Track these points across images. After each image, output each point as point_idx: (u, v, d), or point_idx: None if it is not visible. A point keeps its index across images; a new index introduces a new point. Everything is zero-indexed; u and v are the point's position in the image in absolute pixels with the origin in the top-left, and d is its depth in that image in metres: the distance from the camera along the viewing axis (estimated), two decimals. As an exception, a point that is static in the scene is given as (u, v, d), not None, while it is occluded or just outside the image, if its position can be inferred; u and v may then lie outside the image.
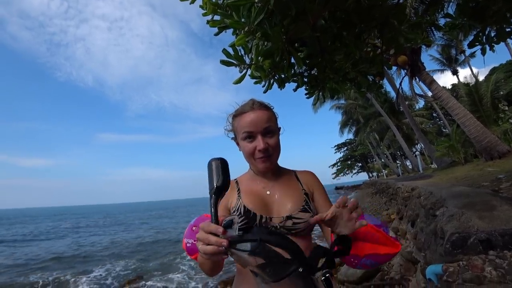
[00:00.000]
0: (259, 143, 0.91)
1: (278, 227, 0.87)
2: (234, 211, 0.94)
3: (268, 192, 0.96)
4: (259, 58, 1.61)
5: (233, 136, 1.03)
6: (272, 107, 1.00)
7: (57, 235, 19.21)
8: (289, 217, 0.88)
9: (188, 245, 0.93)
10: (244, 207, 0.90)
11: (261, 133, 0.92)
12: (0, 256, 11.31)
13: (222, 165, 0.69)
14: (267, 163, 0.95)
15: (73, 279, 7.39)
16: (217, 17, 1.54)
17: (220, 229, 0.58)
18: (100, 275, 7.82)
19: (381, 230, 0.79)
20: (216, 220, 0.62)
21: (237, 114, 0.97)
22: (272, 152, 0.94)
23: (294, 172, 1.06)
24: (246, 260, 0.60)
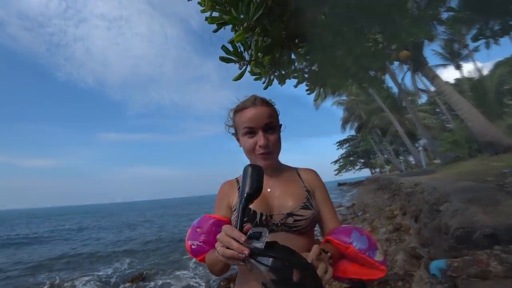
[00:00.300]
0: (260, 138, 0.91)
1: (279, 224, 0.87)
2: (234, 210, 0.93)
3: (268, 190, 0.95)
4: (259, 54, 1.60)
5: (234, 131, 1.02)
6: (273, 104, 0.99)
7: (61, 234, 19.34)
8: (290, 214, 0.87)
9: (193, 247, 0.91)
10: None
11: (262, 129, 0.92)
12: (6, 256, 11.43)
13: (256, 172, 0.69)
14: (268, 160, 0.94)
15: (79, 278, 7.45)
16: (215, 14, 1.53)
17: (243, 238, 0.59)
18: (107, 273, 7.87)
19: (366, 255, 0.77)
20: (241, 226, 0.62)
21: (238, 110, 0.97)
22: (272, 148, 0.94)
23: (296, 169, 1.05)
24: (262, 273, 0.60)
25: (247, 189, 0.67)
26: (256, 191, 0.67)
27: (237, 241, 0.59)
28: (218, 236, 0.63)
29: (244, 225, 0.63)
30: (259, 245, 0.59)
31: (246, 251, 0.57)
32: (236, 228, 0.62)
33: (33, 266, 9.33)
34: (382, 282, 3.62)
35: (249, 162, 1.02)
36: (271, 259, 0.58)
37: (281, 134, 1.00)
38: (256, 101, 0.95)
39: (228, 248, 0.59)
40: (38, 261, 10.19)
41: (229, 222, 0.93)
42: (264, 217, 0.87)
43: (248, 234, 0.61)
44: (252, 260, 0.59)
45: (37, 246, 14.20)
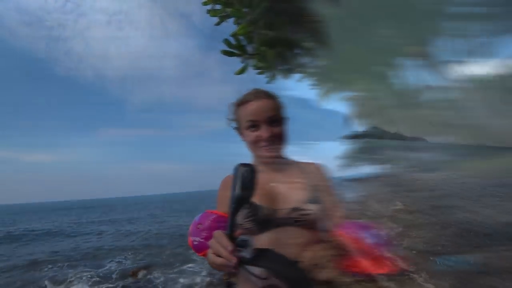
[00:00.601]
0: (263, 132, 0.91)
1: (285, 218, 0.87)
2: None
3: (273, 184, 0.95)
4: (263, 48, 1.59)
5: (236, 125, 1.02)
6: (277, 96, 0.99)
7: (63, 229, 19.52)
8: (295, 209, 0.88)
9: (195, 243, 0.92)
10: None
11: (266, 122, 0.91)
12: (7, 251, 11.59)
13: (249, 173, 0.66)
14: (272, 153, 0.94)
15: (83, 273, 7.49)
16: (217, 7, 1.52)
17: (229, 247, 0.59)
18: (110, 268, 7.93)
19: (376, 250, 0.78)
20: (231, 232, 0.62)
21: (240, 103, 0.96)
22: (277, 141, 0.94)
23: (301, 163, 1.04)
24: (252, 281, 0.61)
25: (237, 192, 0.64)
26: (248, 193, 0.65)
27: (227, 249, 0.59)
28: (210, 242, 0.65)
29: (234, 230, 0.63)
30: (247, 254, 0.60)
31: (234, 260, 0.58)
32: (228, 232, 0.62)
33: (36, 261, 9.41)
34: (388, 278, 3.64)
35: (252, 158, 1.02)
36: (258, 269, 0.60)
37: (289, 136, 0.99)
38: (259, 93, 0.95)
39: (218, 255, 0.61)
40: (40, 255, 10.29)
41: None
42: (269, 212, 0.87)
43: (236, 241, 0.61)
44: (241, 269, 0.60)
45: (39, 241, 14.30)
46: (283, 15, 1.48)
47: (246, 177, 0.66)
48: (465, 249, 1.79)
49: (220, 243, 0.61)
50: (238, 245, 0.61)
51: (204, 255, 0.94)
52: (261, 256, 0.61)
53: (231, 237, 0.62)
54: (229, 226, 0.63)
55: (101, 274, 7.38)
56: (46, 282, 6.92)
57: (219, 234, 0.63)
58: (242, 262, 0.60)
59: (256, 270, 0.60)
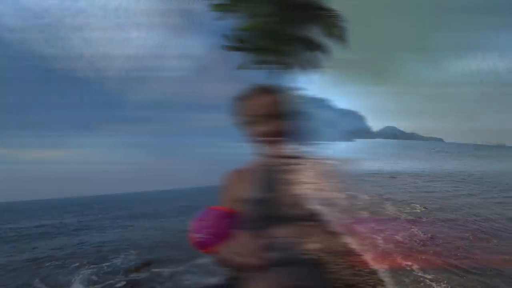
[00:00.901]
0: (266, 127, 0.91)
1: (287, 216, 0.87)
2: (242, 202, 0.96)
3: (276, 180, 0.93)
4: (272, 43, 1.58)
5: (238, 121, 1.01)
6: (281, 91, 0.98)
7: (65, 226, 19.44)
8: (298, 206, 0.88)
9: (197, 239, 0.93)
10: (251, 197, 0.90)
11: (269, 117, 0.92)
12: (9, 249, 11.76)
13: (273, 175, 0.71)
14: (273, 149, 0.94)
15: (87, 269, 7.65)
16: (219, 1, 1.52)
17: (257, 248, 0.62)
18: (114, 263, 8.05)
19: (385, 248, 0.79)
20: (257, 234, 0.66)
21: (243, 97, 0.97)
22: (280, 137, 0.94)
23: (308, 160, 1.03)
24: (275, 283, 0.63)
25: (261, 193, 0.69)
26: (271, 196, 0.69)
27: (251, 250, 0.63)
28: (234, 242, 0.68)
29: (259, 232, 0.66)
30: (274, 257, 0.62)
31: (262, 261, 0.61)
32: (251, 232, 0.66)
33: (38, 257, 9.59)
34: (394, 274, 3.65)
35: (253, 154, 1.04)
36: (285, 271, 0.62)
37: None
38: (262, 89, 0.95)
39: (241, 255, 0.64)
40: (42, 252, 10.49)
41: (234, 215, 0.94)
42: (272, 210, 0.87)
43: (263, 243, 0.64)
44: (266, 271, 0.63)
45: (41, 238, 14.34)
46: (296, 10, 1.48)
47: (270, 179, 0.70)
48: (475, 250, 1.80)
49: (245, 243, 0.64)
50: (265, 247, 0.63)
51: (208, 251, 0.96)
52: (289, 261, 0.64)
53: (255, 238, 0.65)
54: (256, 229, 0.66)
55: (104, 271, 7.47)
56: (50, 279, 7.06)
57: (243, 234, 0.66)
58: (266, 264, 0.62)
59: (280, 273, 0.62)
